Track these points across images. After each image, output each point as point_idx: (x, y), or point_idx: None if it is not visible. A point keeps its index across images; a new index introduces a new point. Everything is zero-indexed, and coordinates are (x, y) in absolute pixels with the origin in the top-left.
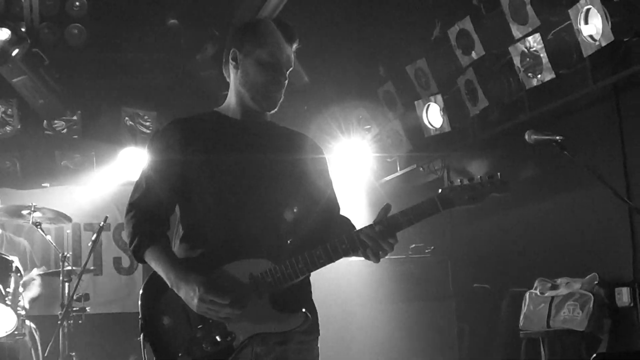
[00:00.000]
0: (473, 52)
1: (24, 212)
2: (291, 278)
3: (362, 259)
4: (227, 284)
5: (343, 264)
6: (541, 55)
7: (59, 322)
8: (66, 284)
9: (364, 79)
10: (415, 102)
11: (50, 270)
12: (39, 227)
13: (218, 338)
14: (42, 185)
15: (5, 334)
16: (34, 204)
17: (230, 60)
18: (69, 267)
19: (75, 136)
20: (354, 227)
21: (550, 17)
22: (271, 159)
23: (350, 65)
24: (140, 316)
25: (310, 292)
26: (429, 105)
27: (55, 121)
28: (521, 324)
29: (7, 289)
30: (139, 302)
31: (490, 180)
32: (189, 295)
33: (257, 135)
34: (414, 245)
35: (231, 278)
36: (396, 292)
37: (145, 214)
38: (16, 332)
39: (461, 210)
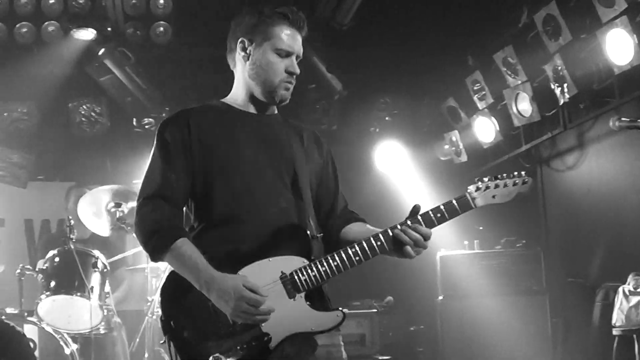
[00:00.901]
0: (560, 37)
1: (111, 208)
2: (327, 276)
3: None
4: (257, 283)
5: (432, 258)
6: (630, 37)
7: (146, 316)
8: (153, 280)
9: (453, 69)
10: (504, 91)
11: (136, 266)
12: (123, 223)
13: (252, 340)
14: (133, 182)
15: (90, 329)
16: (118, 201)
17: (239, 51)
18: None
19: None
20: (365, 222)
21: None
22: (286, 152)
23: (438, 55)
24: (162, 317)
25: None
26: (517, 94)
27: (145, 119)
28: (614, 320)
29: (93, 285)
30: (160, 303)
31: (515, 178)
32: (222, 299)
33: (268, 127)
34: (505, 238)
35: (262, 277)
36: (488, 286)
37: (164, 210)
38: (103, 327)
39: (555, 203)
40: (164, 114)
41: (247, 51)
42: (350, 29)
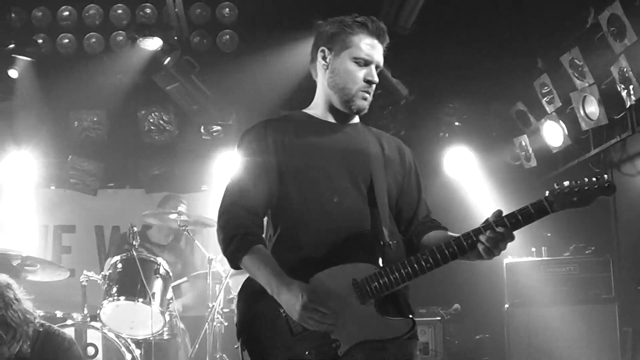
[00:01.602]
0: (625, 38)
1: (172, 216)
2: (397, 283)
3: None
4: (330, 290)
5: (499, 266)
6: None
7: (207, 322)
8: (216, 286)
9: (521, 72)
10: (571, 94)
11: (197, 272)
12: (185, 230)
13: (321, 346)
14: (201, 188)
15: (152, 335)
16: (179, 209)
17: (319, 60)
18: (217, 270)
19: (232, 140)
20: (447, 229)
21: None
22: (364, 161)
23: (506, 59)
24: (236, 322)
25: (408, 297)
26: (584, 96)
27: (212, 126)
28: None
29: (155, 291)
30: (235, 308)
31: (598, 181)
32: (291, 303)
33: (348, 137)
34: (574, 245)
35: (334, 283)
36: (555, 294)
37: (241, 218)
38: (167, 332)
39: (625, 208)
40: (230, 121)
41: (327, 60)
42: (414, 33)
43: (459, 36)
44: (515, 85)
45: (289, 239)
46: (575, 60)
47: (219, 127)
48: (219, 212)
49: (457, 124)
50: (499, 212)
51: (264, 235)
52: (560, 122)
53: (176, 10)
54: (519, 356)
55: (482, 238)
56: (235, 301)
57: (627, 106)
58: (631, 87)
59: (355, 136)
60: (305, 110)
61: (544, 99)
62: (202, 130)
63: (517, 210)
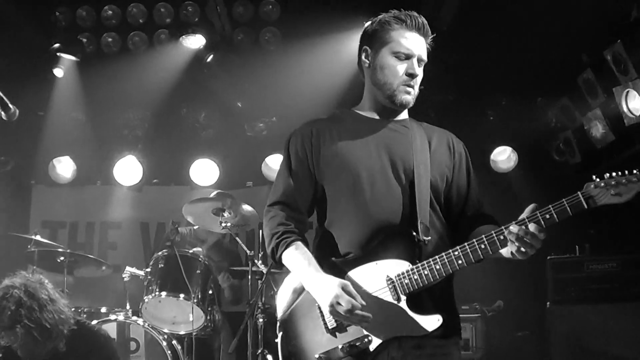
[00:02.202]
0: None
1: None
2: (428, 280)
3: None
4: (364, 287)
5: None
6: None
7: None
8: (258, 282)
9: (565, 67)
10: (614, 89)
11: (237, 268)
12: (226, 227)
13: (354, 341)
14: (246, 184)
15: (194, 330)
16: (225, 206)
17: (363, 59)
18: (257, 267)
19: (276, 137)
20: (497, 224)
21: None
22: (409, 158)
23: (551, 54)
24: (278, 318)
25: (452, 294)
26: (627, 91)
27: (256, 123)
28: None
29: (196, 287)
30: (277, 303)
31: (637, 175)
32: (325, 298)
33: (394, 134)
34: (618, 242)
35: (368, 279)
36: (598, 291)
37: (285, 216)
38: (209, 328)
39: None
40: (274, 118)
41: (369, 58)
42: (455, 29)
43: (500, 32)
44: (560, 80)
45: (330, 236)
46: (619, 55)
47: (262, 124)
48: (266, 208)
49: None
50: (534, 208)
51: (306, 234)
52: (605, 117)
53: (218, 7)
54: (560, 354)
55: (511, 237)
56: (277, 297)
57: None
58: None
59: (401, 131)
60: (353, 109)
61: (588, 94)
62: (245, 127)
63: (551, 205)
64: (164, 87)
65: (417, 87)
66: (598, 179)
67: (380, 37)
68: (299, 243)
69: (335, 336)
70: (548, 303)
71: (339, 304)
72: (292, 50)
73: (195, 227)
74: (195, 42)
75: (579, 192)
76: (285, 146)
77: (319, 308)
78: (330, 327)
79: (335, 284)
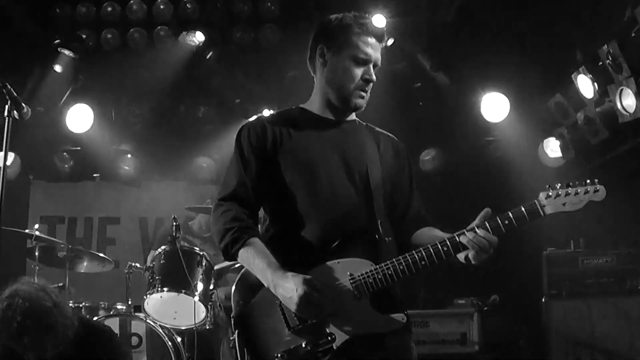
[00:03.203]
0: None
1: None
2: (392, 279)
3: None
4: (327, 284)
5: (539, 257)
6: None
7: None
8: None
9: (560, 65)
10: (608, 87)
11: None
12: None
13: (317, 339)
14: None
15: (195, 324)
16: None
17: (318, 57)
18: None
19: None
20: (437, 227)
21: None
22: (359, 158)
23: (545, 51)
24: (232, 314)
25: (400, 291)
26: (622, 89)
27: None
28: None
29: (196, 282)
30: (232, 301)
31: (587, 187)
32: (288, 294)
33: (344, 134)
34: (612, 237)
35: (330, 278)
36: (593, 286)
37: (237, 211)
38: (210, 322)
39: None
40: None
41: (325, 58)
42: (454, 24)
43: (498, 28)
44: (554, 77)
45: (286, 233)
46: (613, 53)
47: None
48: (215, 203)
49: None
50: (487, 212)
51: (259, 228)
52: (599, 114)
53: (218, 4)
54: (556, 347)
55: (463, 240)
56: (231, 294)
57: None
58: None
59: (352, 132)
60: (302, 106)
61: (582, 92)
62: (244, 123)
63: (511, 212)
64: (163, 83)
65: (369, 92)
66: (552, 188)
67: (339, 39)
68: (256, 240)
69: (298, 334)
70: (543, 297)
71: (302, 300)
72: (290, 48)
73: (194, 221)
74: (194, 38)
75: (535, 200)
76: (237, 139)
77: (280, 305)
78: (292, 325)
79: (300, 281)
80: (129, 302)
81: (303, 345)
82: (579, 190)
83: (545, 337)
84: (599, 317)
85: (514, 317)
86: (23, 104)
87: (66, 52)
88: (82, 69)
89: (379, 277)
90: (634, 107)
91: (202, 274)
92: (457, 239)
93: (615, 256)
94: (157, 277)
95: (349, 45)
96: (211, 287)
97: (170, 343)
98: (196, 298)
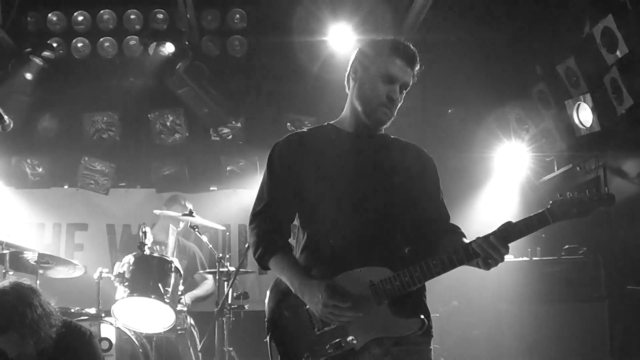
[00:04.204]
0: (617, 50)
1: (183, 217)
2: (409, 285)
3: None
4: (349, 291)
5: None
6: None
7: (216, 318)
8: (225, 283)
9: (520, 79)
10: (566, 102)
11: (207, 270)
12: (195, 230)
13: (341, 341)
14: (210, 188)
15: (164, 329)
16: (191, 209)
17: (351, 74)
18: (227, 268)
19: (240, 142)
20: (463, 235)
21: None
22: (386, 172)
23: (507, 65)
24: (266, 319)
25: (425, 297)
26: (579, 104)
27: (222, 128)
28: None
29: (167, 288)
30: (265, 306)
31: (598, 194)
32: (313, 300)
33: (371, 148)
34: (567, 246)
35: (352, 285)
36: (549, 292)
37: (269, 224)
38: (178, 328)
39: (618, 211)
40: (239, 124)
41: (357, 75)
42: (417, 41)
43: (460, 43)
44: (515, 91)
45: (313, 244)
46: (571, 70)
47: (227, 130)
48: (250, 217)
49: (456, 128)
50: (508, 223)
51: (290, 240)
52: (556, 127)
53: (188, 16)
54: (512, 352)
55: (475, 247)
56: (265, 300)
57: (619, 115)
58: (622, 97)
59: (379, 147)
60: (333, 123)
61: (541, 106)
62: (211, 132)
63: (521, 220)
64: (133, 92)
65: (394, 110)
66: (562, 197)
67: (372, 58)
68: (286, 250)
69: (323, 337)
70: (501, 304)
71: (327, 305)
72: (257, 58)
73: (155, 228)
74: (164, 49)
75: (545, 209)
76: (270, 155)
77: (307, 310)
78: (317, 328)
79: (323, 287)
80: (99, 307)
81: (327, 348)
82: (587, 198)
83: (503, 341)
84: (553, 322)
85: (473, 322)
86: (5, 117)
87: (37, 60)
88: (53, 77)
89: (397, 283)
90: (591, 121)
91: (171, 280)
92: (470, 248)
93: (570, 264)
94: (127, 283)
95: (379, 63)
96: (180, 293)
97: (139, 347)
98: (165, 303)
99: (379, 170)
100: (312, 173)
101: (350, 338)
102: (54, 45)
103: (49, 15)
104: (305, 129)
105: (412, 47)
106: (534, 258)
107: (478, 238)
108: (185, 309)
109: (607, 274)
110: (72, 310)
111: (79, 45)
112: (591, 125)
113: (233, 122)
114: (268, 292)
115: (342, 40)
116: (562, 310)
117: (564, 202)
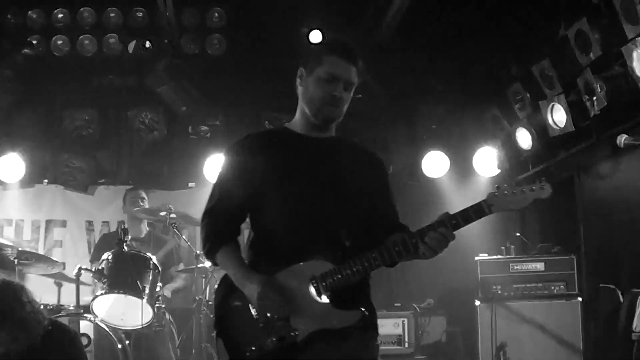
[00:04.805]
0: (591, 52)
1: (162, 213)
2: (349, 278)
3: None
4: (291, 285)
5: (472, 263)
6: None
7: (194, 314)
8: (202, 280)
9: (496, 80)
10: (540, 102)
11: (186, 267)
12: (174, 227)
13: (284, 334)
14: (188, 185)
15: (142, 326)
16: (170, 206)
17: (298, 79)
18: (204, 265)
19: (219, 140)
20: (411, 232)
21: None
22: (334, 171)
23: (482, 66)
24: (213, 314)
25: (369, 292)
26: (553, 105)
27: (200, 126)
28: (634, 325)
29: (145, 284)
30: (213, 301)
31: (533, 186)
32: (251, 293)
33: (321, 149)
34: (541, 244)
35: (294, 279)
36: (523, 290)
37: (219, 221)
38: (156, 324)
39: (590, 210)
40: (217, 122)
41: (302, 78)
42: (393, 41)
43: (437, 44)
44: (491, 92)
45: (262, 241)
46: (546, 71)
47: (206, 128)
48: (202, 214)
49: (433, 127)
50: (445, 214)
51: (239, 238)
52: (531, 128)
53: (167, 14)
54: (488, 349)
55: (425, 239)
56: (214, 295)
57: (592, 116)
58: (595, 98)
59: (330, 148)
60: (286, 125)
61: (516, 106)
62: (190, 130)
63: (458, 212)
64: (112, 90)
65: (342, 108)
66: (498, 188)
67: (313, 61)
68: (232, 246)
69: (267, 330)
70: (476, 301)
71: (261, 297)
72: (236, 57)
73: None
74: (143, 47)
75: (482, 200)
76: (224, 156)
77: (251, 304)
78: (261, 322)
79: (260, 280)
80: (78, 304)
81: (271, 340)
82: (524, 189)
83: (477, 338)
84: (528, 319)
85: (448, 320)
86: None
87: (17, 56)
88: (32, 74)
89: (337, 276)
90: (564, 122)
91: (149, 277)
92: (407, 239)
93: (544, 262)
94: (106, 279)
95: (320, 65)
96: (158, 289)
97: (118, 343)
98: (144, 300)
99: (327, 169)
100: (263, 173)
101: (293, 330)
102: (34, 42)
103: (29, 12)
104: (260, 131)
105: (350, 44)
106: (508, 256)
107: (416, 232)
108: (163, 305)
109: (580, 272)
110: (51, 306)
111: (59, 42)
112: (565, 125)
113: (212, 120)
114: (216, 288)
115: (321, 38)
116: (537, 307)
117: (500, 193)
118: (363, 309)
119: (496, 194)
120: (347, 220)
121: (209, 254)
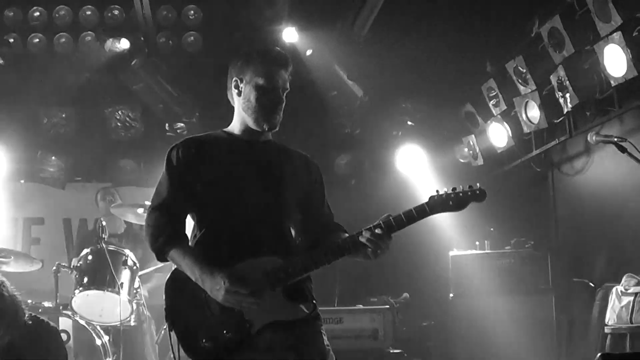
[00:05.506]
0: (564, 50)
1: (139, 210)
2: (300, 273)
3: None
4: (246, 279)
5: (445, 258)
6: (624, 53)
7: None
8: None
9: (470, 76)
10: (514, 99)
11: (161, 265)
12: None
13: (237, 325)
14: None
15: (120, 322)
16: (147, 202)
17: (233, 88)
18: None
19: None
20: (346, 232)
21: (634, 13)
22: (274, 174)
23: (457, 63)
24: (165, 307)
25: (312, 286)
26: (527, 101)
27: (176, 124)
28: (607, 319)
29: (122, 280)
30: (164, 295)
31: (470, 190)
32: (215, 287)
33: (261, 153)
34: (514, 239)
35: (248, 273)
36: (497, 285)
37: (167, 217)
38: (135, 320)
39: (564, 205)
40: (194, 119)
41: (240, 88)
42: (369, 38)
43: (412, 40)
44: (465, 88)
45: (209, 239)
46: (519, 68)
47: (183, 125)
48: (148, 211)
49: (409, 123)
50: (386, 216)
51: (187, 233)
52: (505, 124)
53: (143, 12)
54: (461, 343)
55: (362, 239)
56: (164, 291)
57: (565, 112)
58: (568, 95)
59: (267, 151)
60: (225, 129)
61: (491, 102)
62: (166, 128)
63: (402, 212)
64: (89, 87)
65: (280, 113)
66: (440, 192)
67: (248, 70)
68: (184, 242)
69: (221, 322)
70: (450, 295)
71: (229, 291)
72: (212, 54)
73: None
74: (120, 45)
75: (424, 202)
76: (167, 156)
77: (206, 297)
78: (214, 314)
79: (225, 275)
80: (57, 301)
81: (225, 332)
82: (462, 193)
83: (451, 332)
84: (502, 313)
85: (423, 314)
86: None
87: None
88: (9, 72)
89: (288, 271)
90: (538, 118)
91: (127, 273)
92: (356, 237)
93: (517, 257)
94: (84, 276)
95: (256, 75)
96: (136, 285)
97: (96, 339)
98: (122, 296)
99: (268, 172)
100: (206, 174)
101: (246, 322)
102: (10, 40)
103: (5, 11)
104: (200, 134)
105: (281, 50)
106: (482, 251)
107: (363, 230)
108: (142, 300)
109: (554, 266)
110: (30, 303)
111: (35, 40)
112: (538, 122)
113: (188, 117)
114: (166, 282)
115: (296, 36)
116: (510, 301)
117: (440, 196)
118: (310, 303)
119: (437, 197)
120: (289, 218)
121: (162, 249)
